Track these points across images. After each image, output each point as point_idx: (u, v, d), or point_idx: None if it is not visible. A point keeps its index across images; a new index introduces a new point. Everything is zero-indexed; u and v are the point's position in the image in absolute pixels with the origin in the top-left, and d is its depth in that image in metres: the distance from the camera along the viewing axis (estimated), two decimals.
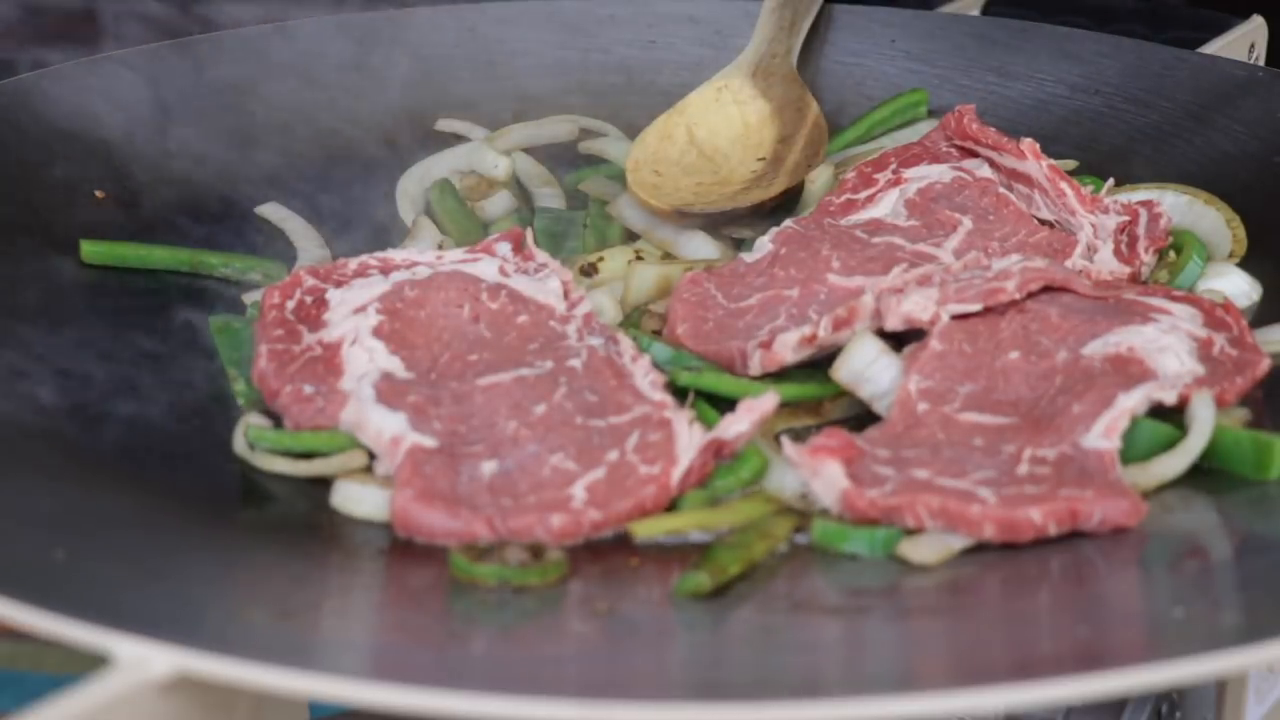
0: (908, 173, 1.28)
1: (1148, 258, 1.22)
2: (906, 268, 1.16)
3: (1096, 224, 1.23)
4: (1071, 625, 0.88)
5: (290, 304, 1.14)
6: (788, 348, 1.11)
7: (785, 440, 1.02)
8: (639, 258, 1.28)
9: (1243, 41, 1.61)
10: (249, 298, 1.25)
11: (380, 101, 1.48)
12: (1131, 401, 1.02)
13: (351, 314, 1.13)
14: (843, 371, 1.09)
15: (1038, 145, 1.26)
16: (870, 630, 0.90)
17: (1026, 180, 1.26)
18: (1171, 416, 1.04)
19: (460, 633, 0.91)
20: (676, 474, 1.00)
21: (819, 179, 1.36)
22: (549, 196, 1.41)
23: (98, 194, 1.31)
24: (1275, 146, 1.32)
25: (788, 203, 1.36)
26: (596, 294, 1.21)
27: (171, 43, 1.50)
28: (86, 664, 0.79)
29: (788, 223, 1.25)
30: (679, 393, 1.09)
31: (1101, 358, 1.07)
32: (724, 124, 1.44)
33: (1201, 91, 1.39)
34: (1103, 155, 1.38)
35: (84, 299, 1.20)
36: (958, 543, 0.95)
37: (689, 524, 0.99)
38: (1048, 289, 1.13)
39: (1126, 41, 1.48)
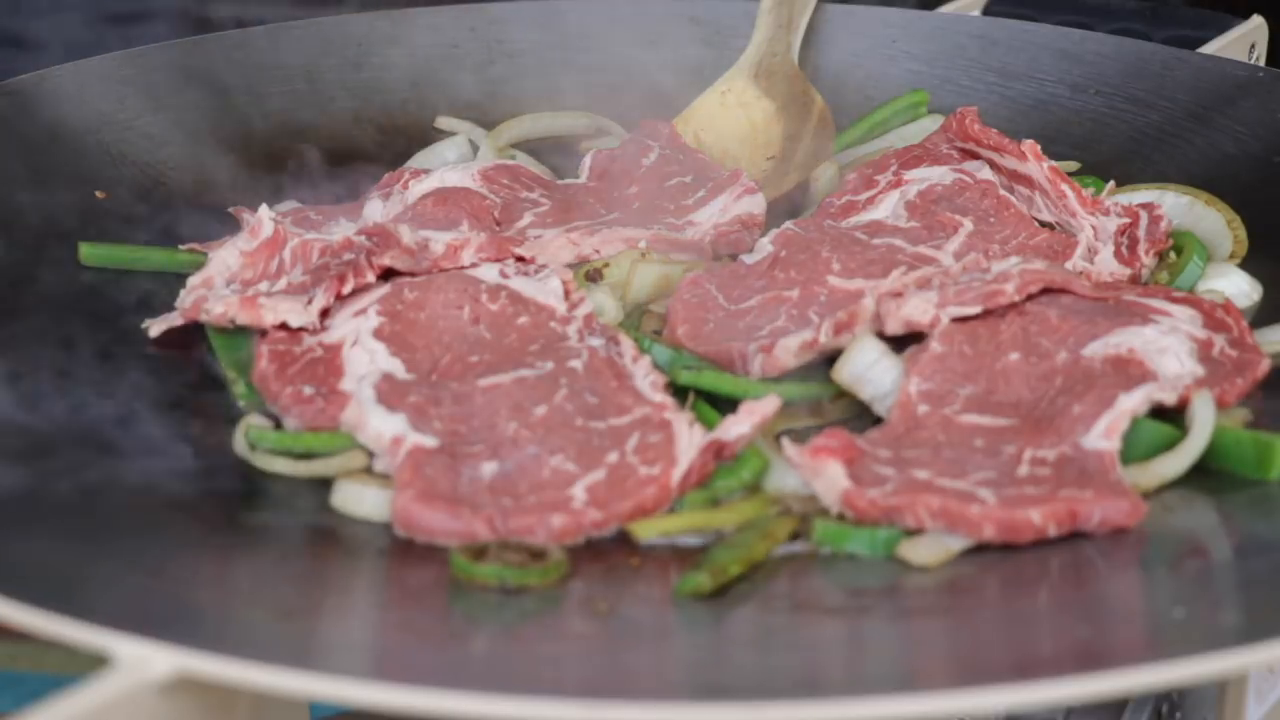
0: (908, 175, 1.28)
1: (1148, 260, 1.22)
2: (906, 270, 1.16)
3: (1097, 226, 1.23)
4: (1071, 625, 0.88)
5: None
6: (788, 352, 1.10)
7: (786, 441, 1.02)
8: (643, 256, 1.28)
9: (1243, 41, 1.61)
10: None
11: (380, 101, 1.48)
12: (1132, 402, 1.02)
13: (352, 316, 1.13)
14: (844, 373, 1.09)
15: (1039, 147, 1.26)
16: (870, 630, 0.90)
17: (1027, 182, 1.26)
18: (1172, 417, 1.04)
19: (460, 633, 0.91)
20: (676, 475, 1.00)
21: (822, 177, 1.36)
22: None
23: (98, 194, 1.31)
24: (1275, 146, 1.32)
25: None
26: (597, 294, 1.21)
27: (171, 43, 1.50)
28: (86, 664, 0.79)
29: (788, 224, 1.25)
30: (679, 393, 1.09)
31: (1101, 359, 1.07)
32: (731, 127, 1.44)
33: (1201, 91, 1.39)
34: (1103, 156, 1.38)
35: (83, 301, 1.20)
36: (957, 544, 0.95)
37: (689, 524, 0.98)
38: (1047, 291, 1.13)
39: (1126, 41, 1.48)
